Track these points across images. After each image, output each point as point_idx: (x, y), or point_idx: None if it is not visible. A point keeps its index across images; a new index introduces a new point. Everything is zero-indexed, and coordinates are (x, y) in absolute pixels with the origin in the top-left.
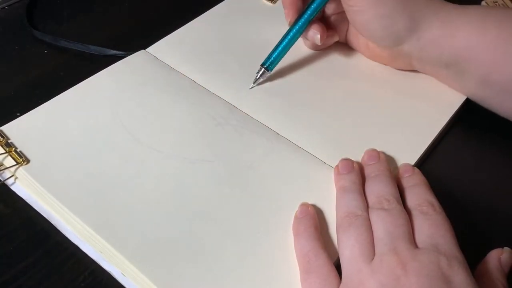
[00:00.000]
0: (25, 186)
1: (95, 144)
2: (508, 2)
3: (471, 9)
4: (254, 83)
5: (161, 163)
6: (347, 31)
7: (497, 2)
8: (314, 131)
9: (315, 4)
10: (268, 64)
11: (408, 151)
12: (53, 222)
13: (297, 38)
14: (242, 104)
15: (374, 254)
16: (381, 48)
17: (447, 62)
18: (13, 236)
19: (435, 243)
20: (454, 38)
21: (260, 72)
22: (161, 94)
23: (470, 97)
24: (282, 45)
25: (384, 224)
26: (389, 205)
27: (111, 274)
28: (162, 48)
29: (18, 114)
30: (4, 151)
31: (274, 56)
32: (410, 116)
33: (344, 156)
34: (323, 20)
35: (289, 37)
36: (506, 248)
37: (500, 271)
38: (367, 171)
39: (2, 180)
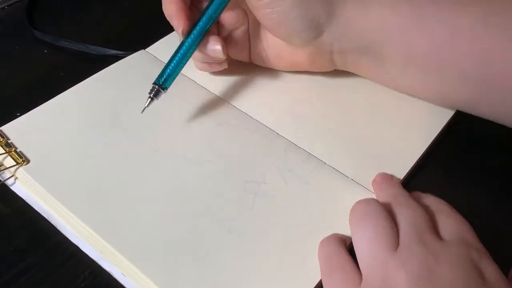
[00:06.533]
0: (25, 186)
1: (95, 144)
2: None
3: None
4: (146, 104)
5: (161, 163)
6: (249, 48)
7: None
8: (314, 131)
9: (211, 9)
10: (162, 81)
11: (400, 161)
12: (53, 222)
13: (194, 50)
14: (242, 104)
15: (397, 245)
16: (298, 49)
17: (367, 47)
18: (13, 236)
19: (462, 237)
20: (367, 17)
21: (153, 92)
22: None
23: (399, 91)
24: (176, 59)
25: (407, 218)
26: (407, 201)
27: (111, 274)
28: (162, 48)
29: (18, 114)
30: (4, 151)
31: (168, 72)
32: (400, 129)
33: (342, 155)
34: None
35: (184, 48)
36: None
37: None
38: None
39: (2, 180)
